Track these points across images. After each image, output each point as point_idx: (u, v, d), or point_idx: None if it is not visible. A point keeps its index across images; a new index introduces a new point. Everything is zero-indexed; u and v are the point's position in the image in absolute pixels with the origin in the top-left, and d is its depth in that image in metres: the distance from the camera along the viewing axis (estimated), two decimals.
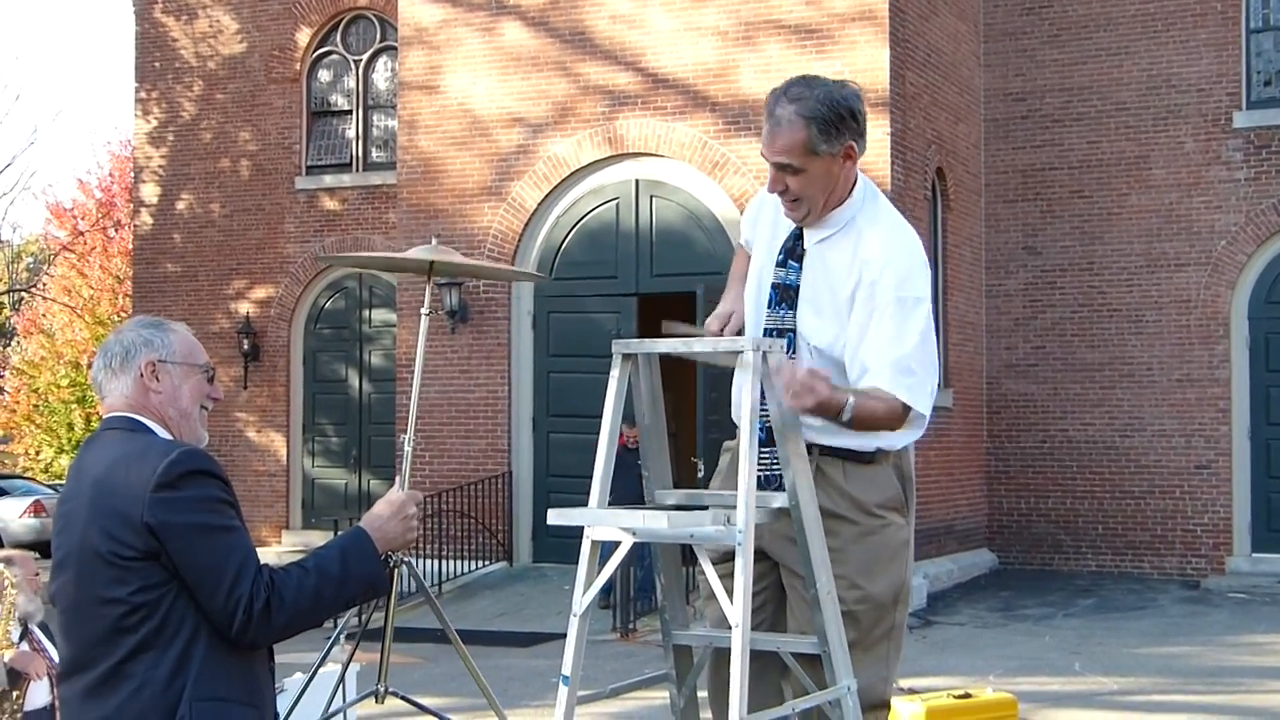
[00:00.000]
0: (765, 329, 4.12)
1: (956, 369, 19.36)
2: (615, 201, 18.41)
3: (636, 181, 18.30)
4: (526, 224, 18.67)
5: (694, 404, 16.44)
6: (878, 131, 17.02)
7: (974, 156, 20.12)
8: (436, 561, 17.49)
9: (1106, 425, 19.73)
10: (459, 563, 17.84)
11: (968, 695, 9.59)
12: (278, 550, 21.70)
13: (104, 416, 3.63)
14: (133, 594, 3.36)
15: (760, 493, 3.81)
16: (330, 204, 22.46)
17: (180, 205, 23.30)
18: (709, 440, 16.17)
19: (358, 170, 22.40)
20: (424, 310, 5.08)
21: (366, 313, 22.31)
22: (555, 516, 3.89)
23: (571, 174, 18.46)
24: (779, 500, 3.92)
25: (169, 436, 3.57)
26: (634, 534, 3.82)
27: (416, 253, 5.47)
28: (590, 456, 3.98)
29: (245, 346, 22.43)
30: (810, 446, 4.03)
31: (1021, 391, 20.18)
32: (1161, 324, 19.50)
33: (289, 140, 22.72)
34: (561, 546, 17.54)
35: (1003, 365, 20.28)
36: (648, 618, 15.05)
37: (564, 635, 3.86)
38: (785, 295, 4.12)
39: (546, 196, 18.58)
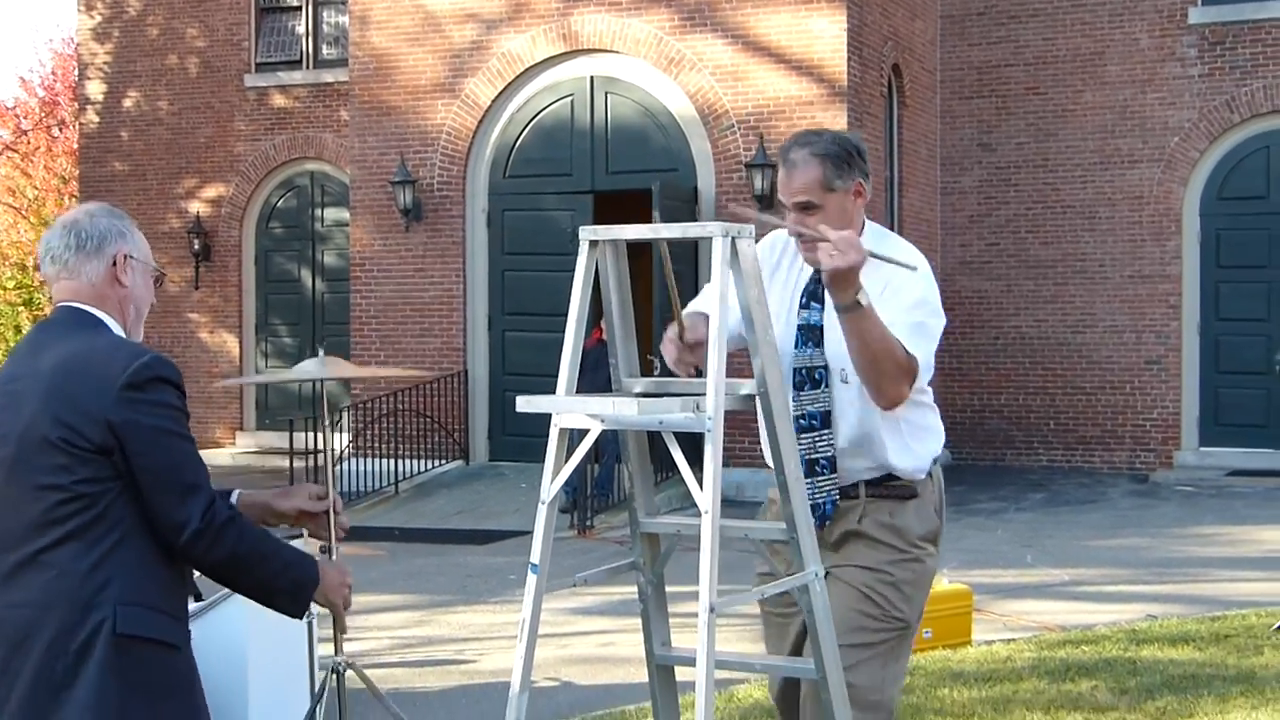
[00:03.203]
0: (795, 368, 4.35)
1: None
2: (570, 98, 18.30)
3: (591, 78, 18.18)
4: (480, 121, 18.53)
5: (650, 304, 16.43)
6: (834, 28, 16.97)
7: (930, 53, 20.06)
8: (393, 461, 17.51)
9: (1059, 321, 19.87)
10: (415, 462, 17.86)
11: None
12: (232, 451, 21.68)
13: (59, 302, 3.56)
14: (75, 483, 3.31)
15: (729, 380, 3.82)
16: (281, 101, 22.23)
17: (127, 103, 23.03)
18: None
19: (309, 67, 22.16)
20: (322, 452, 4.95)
21: (319, 211, 22.15)
22: (523, 404, 3.89)
23: (526, 70, 18.32)
24: (747, 387, 3.94)
25: (121, 334, 3.54)
26: (602, 421, 3.83)
27: (307, 365, 5.26)
28: (546, 355, 4.01)
29: (196, 246, 22.27)
30: (856, 486, 4.40)
31: (976, 288, 20.26)
32: (1114, 220, 19.59)
33: (238, 37, 22.43)
34: (518, 445, 17.59)
35: (957, 262, 20.35)
36: (605, 514, 15.13)
37: (522, 533, 3.92)
38: (811, 335, 4.36)
39: (501, 93, 18.44)
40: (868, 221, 4.43)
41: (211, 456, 20.98)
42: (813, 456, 4.34)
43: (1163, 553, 13.71)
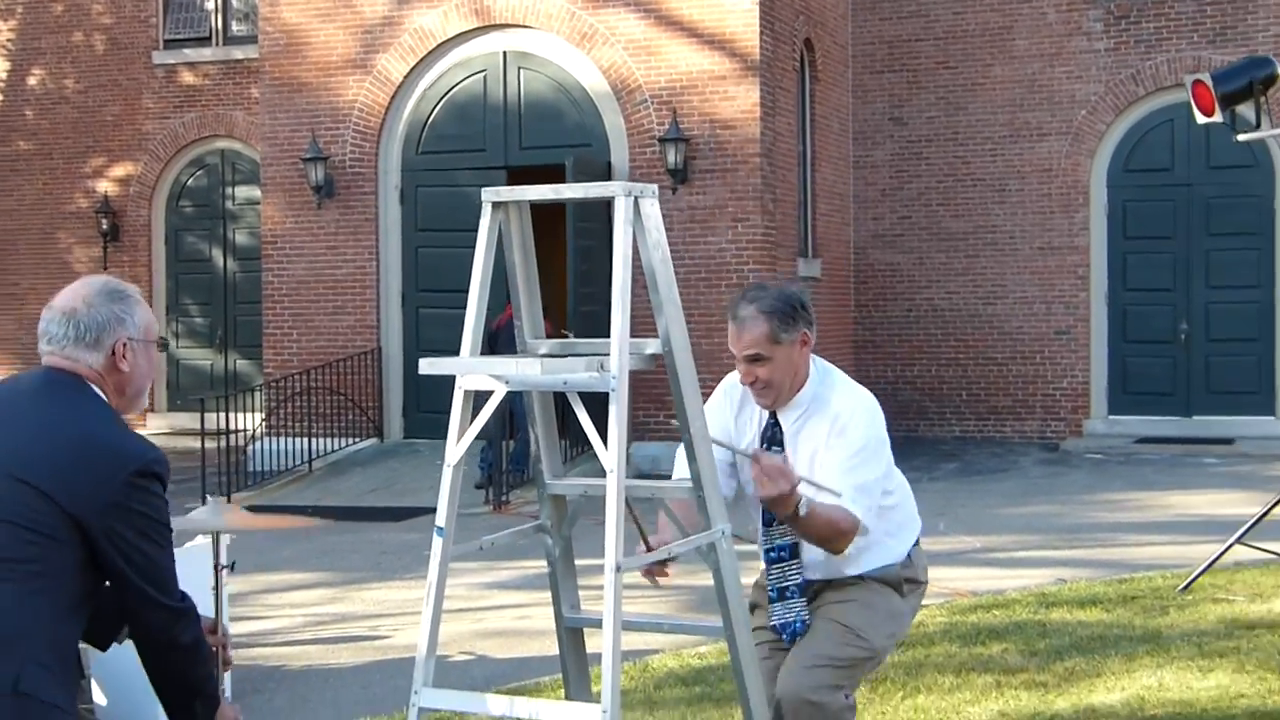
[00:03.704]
0: (763, 506, 4.62)
1: (824, 239, 19.51)
2: (483, 74, 18.23)
3: (504, 53, 18.13)
4: (393, 97, 18.43)
5: (564, 278, 16.44)
6: (746, 2, 17.00)
7: (841, 27, 20.14)
8: (306, 439, 17.41)
9: (970, 293, 20.03)
10: (329, 440, 17.77)
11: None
12: (144, 432, 21.46)
13: (50, 365, 3.55)
14: (34, 531, 3.31)
15: (633, 339, 3.84)
16: (190, 79, 22.00)
17: (32, 81, 22.72)
18: (580, 312, 16.22)
19: (218, 44, 21.94)
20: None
21: (230, 190, 21.96)
22: (426, 366, 3.90)
23: (438, 46, 18.23)
24: (652, 346, 3.96)
25: (107, 400, 3.54)
26: (507, 382, 3.84)
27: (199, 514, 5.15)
28: (461, 332, 3.99)
29: (104, 226, 22.02)
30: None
31: (888, 261, 20.40)
32: (1024, 193, 19.77)
33: (144, 13, 22.17)
34: (433, 422, 17.53)
35: (870, 235, 20.47)
36: (521, 490, 15.13)
37: (437, 509, 3.89)
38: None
39: (413, 69, 18.34)
40: (814, 361, 4.74)
41: None
42: (783, 585, 4.75)
43: (1072, 519, 13.87)
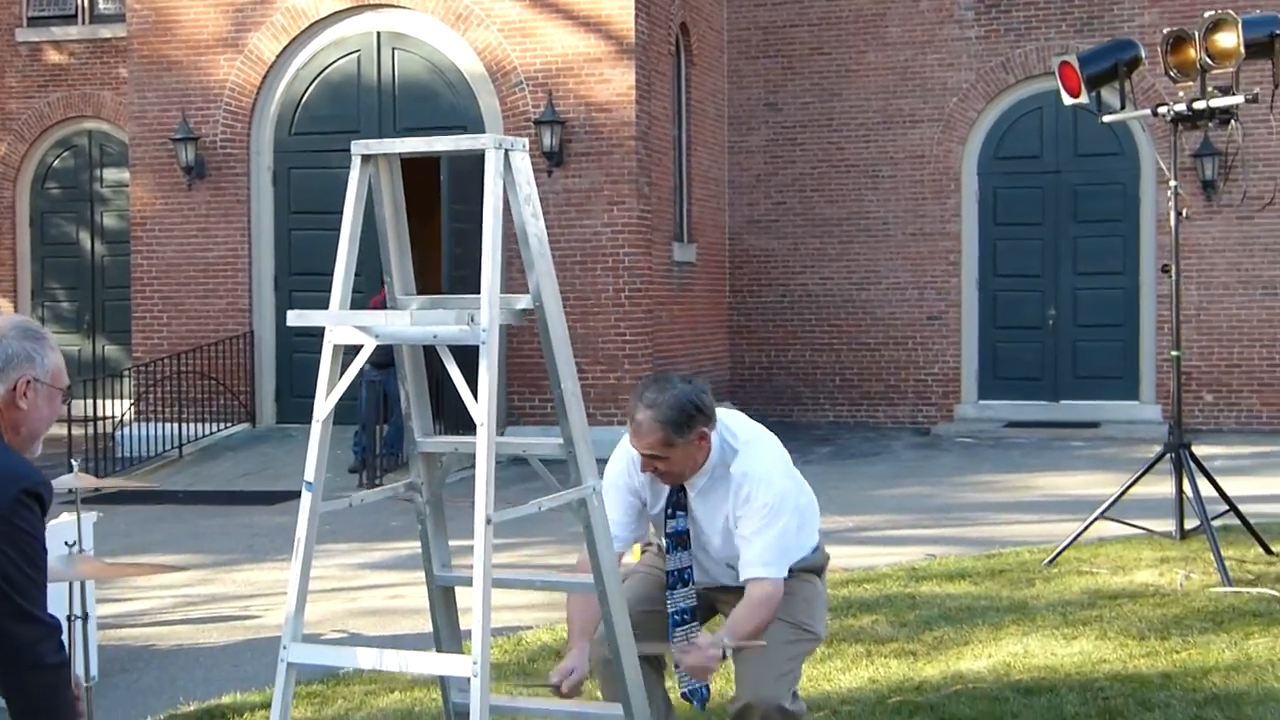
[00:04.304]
0: (669, 570, 4.95)
1: (699, 224, 19.57)
2: (357, 54, 18.08)
3: (378, 34, 17.98)
4: (265, 77, 18.21)
5: (439, 265, 16.34)
6: None
7: (717, 12, 20.22)
8: (176, 425, 17.18)
9: (844, 279, 20.20)
10: (200, 425, 17.54)
11: None
12: None
13: None
14: None
15: (505, 295, 3.83)
16: (56, 58, 21.59)
17: None
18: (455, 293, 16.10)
19: (84, 22, 21.52)
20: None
21: (98, 172, 21.57)
22: (294, 318, 3.86)
23: (311, 25, 18.03)
24: (523, 302, 3.95)
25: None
26: (376, 336, 3.82)
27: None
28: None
29: None
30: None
31: (763, 246, 20.51)
32: (897, 179, 19.98)
33: None
34: (306, 407, 17.25)
35: (745, 221, 20.58)
36: (394, 473, 15.04)
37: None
38: (679, 540, 4.95)
39: (285, 48, 18.13)
40: (718, 430, 4.89)
41: None
42: (680, 567, 4.97)
43: (943, 500, 14.05)
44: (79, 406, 16.17)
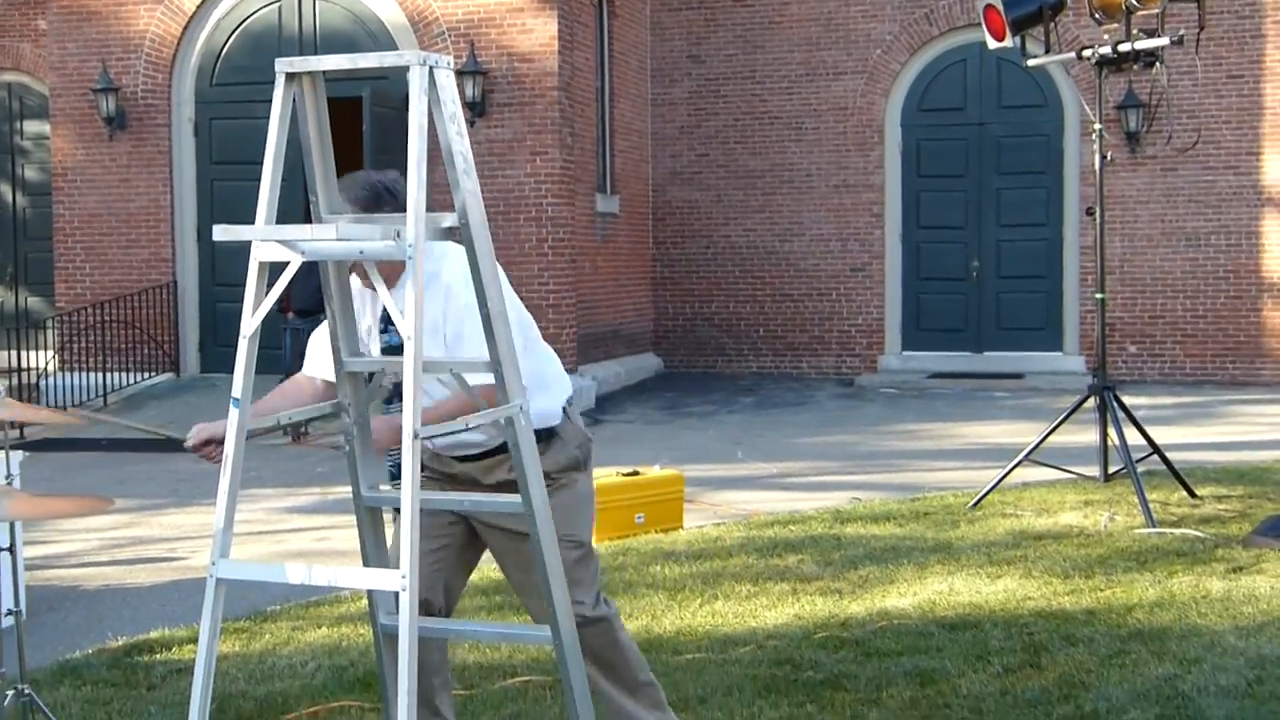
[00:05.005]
0: (390, 386, 4.72)
1: (623, 176, 19.56)
2: (279, 4, 17.90)
3: None
4: (185, 27, 18.02)
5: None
6: None
7: None
8: (100, 374, 17.05)
9: (768, 231, 20.25)
10: (124, 374, 17.41)
11: (636, 473, 9.89)
12: None
13: None
14: None
15: (430, 214, 3.82)
16: None
17: None
18: None
19: None
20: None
21: (19, 124, 21.25)
22: (220, 233, 3.84)
23: None
24: (449, 219, 3.94)
25: None
26: (302, 252, 3.80)
27: None
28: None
29: None
30: (503, 445, 4.65)
31: (686, 198, 20.52)
32: (820, 131, 20.02)
33: None
34: (230, 356, 17.17)
35: (668, 172, 20.57)
36: (320, 421, 14.95)
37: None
38: (395, 353, 4.59)
39: None
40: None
41: None
42: (398, 463, 4.65)
43: (867, 447, 14.16)
44: (1, 358, 16.02)
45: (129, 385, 17.36)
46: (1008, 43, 10.22)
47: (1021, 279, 19.64)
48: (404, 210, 4.29)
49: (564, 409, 4.90)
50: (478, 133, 17.02)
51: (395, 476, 4.91)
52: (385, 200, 4.62)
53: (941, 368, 19.45)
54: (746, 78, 20.24)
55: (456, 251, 4.60)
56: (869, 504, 10.49)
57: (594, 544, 4.99)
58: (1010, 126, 19.57)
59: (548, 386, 4.84)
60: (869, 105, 19.82)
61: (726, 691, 5.90)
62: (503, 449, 4.72)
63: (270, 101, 3.93)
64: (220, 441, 4.52)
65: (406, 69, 3.86)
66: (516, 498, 4.16)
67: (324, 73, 3.99)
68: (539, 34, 17.05)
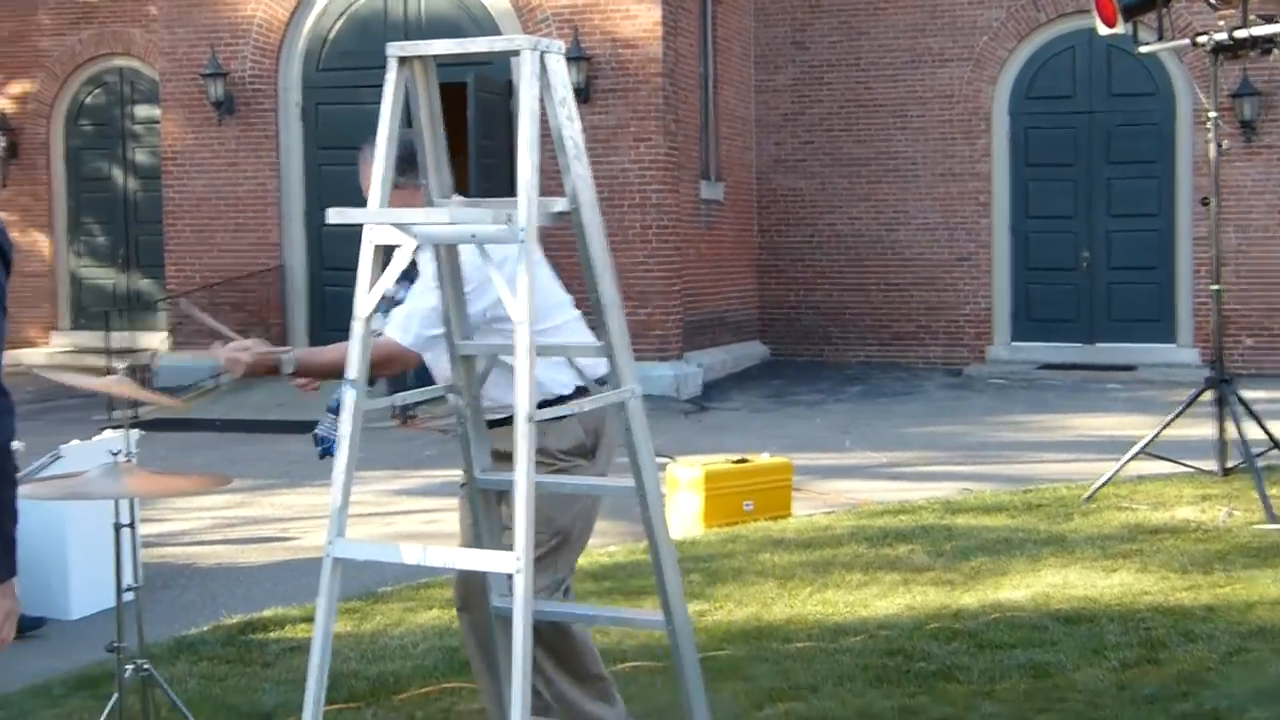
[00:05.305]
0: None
1: (727, 163, 19.49)
2: None
3: None
4: (293, 12, 18.16)
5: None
6: None
7: None
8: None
9: (873, 219, 20.10)
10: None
11: (744, 460, 9.84)
12: (47, 351, 21.15)
13: None
14: None
15: (541, 198, 3.79)
16: None
17: None
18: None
19: None
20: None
21: (130, 108, 21.56)
22: (335, 215, 3.84)
23: None
24: (560, 204, 3.91)
25: None
26: (414, 235, 3.78)
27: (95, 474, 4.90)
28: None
29: (3, 144, 21.59)
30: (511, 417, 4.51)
31: (790, 186, 20.41)
32: (925, 119, 19.82)
33: None
34: (337, 339, 17.28)
35: (772, 160, 20.46)
36: (428, 404, 15.03)
37: None
38: (393, 306, 4.76)
39: None
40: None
41: (25, 356, 20.47)
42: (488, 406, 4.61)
43: (977, 438, 14.01)
44: (116, 338, 16.29)
45: None
46: (1119, 29, 10.03)
47: (1133, 269, 19.33)
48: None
49: (580, 389, 4.68)
50: (581, 119, 16.97)
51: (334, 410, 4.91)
52: (418, 160, 4.51)
53: (1051, 359, 19.19)
54: (851, 64, 20.08)
55: None
56: (980, 495, 10.38)
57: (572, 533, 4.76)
58: (1121, 115, 19.26)
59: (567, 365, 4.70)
60: (975, 93, 19.59)
61: (837, 681, 5.85)
62: (508, 421, 4.54)
63: (376, 87, 3.93)
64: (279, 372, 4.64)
65: (512, 54, 3.84)
66: (625, 480, 4.12)
67: (434, 57, 3.98)
68: (643, 20, 17.00)
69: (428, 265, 4.45)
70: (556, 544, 4.68)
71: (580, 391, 4.61)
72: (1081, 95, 19.42)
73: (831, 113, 20.21)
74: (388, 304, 4.74)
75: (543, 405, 4.38)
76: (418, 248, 4.50)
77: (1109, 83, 19.23)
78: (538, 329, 4.10)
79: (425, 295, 4.51)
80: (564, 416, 4.41)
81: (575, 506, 4.70)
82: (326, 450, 4.93)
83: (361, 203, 4.05)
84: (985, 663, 6.04)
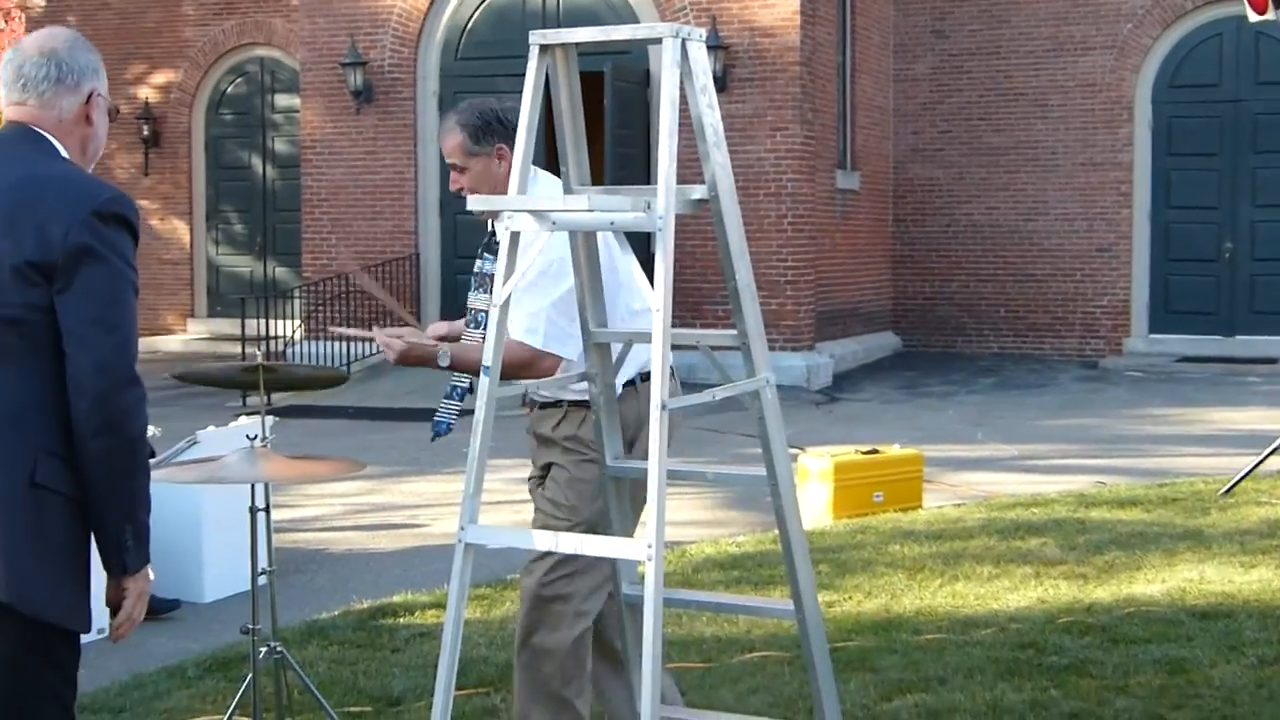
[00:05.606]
0: (472, 309, 4.85)
1: (863, 153, 19.37)
2: None
3: None
4: (433, 2, 18.33)
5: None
6: None
7: None
8: (345, 343, 17.44)
9: (1010, 209, 19.89)
10: (368, 344, 17.78)
11: (874, 451, 9.80)
12: (184, 338, 21.56)
13: (12, 120, 3.34)
14: (22, 306, 3.11)
15: (680, 185, 3.80)
16: None
17: None
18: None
19: None
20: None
21: (270, 98, 21.90)
22: (475, 203, 3.87)
23: None
24: (698, 191, 3.92)
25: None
26: (553, 223, 3.81)
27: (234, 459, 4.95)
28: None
29: (145, 133, 22.02)
30: (561, 401, 4.72)
31: (927, 176, 20.25)
32: (1066, 108, 19.57)
33: None
34: None
35: (909, 149, 20.32)
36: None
37: (472, 411, 3.86)
38: (482, 282, 4.83)
39: None
40: (544, 179, 4.74)
41: (162, 343, 20.91)
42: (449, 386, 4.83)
43: (1112, 431, 13.82)
44: (251, 326, 16.58)
45: (371, 354, 17.70)
46: (1270, 15, 9.86)
47: (1277, 261, 18.95)
48: (512, 138, 4.49)
49: (624, 386, 4.61)
50: (719, 108, 16.96)
51: (458, 397, 4.95)
52: (495, 128, 4.70)
53: (1190, 351, 18.86)
54: (991, 53, 19.88)
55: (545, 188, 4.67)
56: (1114, 488, 10.25)
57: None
58: (1268, 103, 18.88)
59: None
60: (1118, 81, 19.30)
61: (967, 673, 5.81)
62: (556, 404, 4.75)
63: (513, 76, 3.98)
64: (451, 338, 4.77)
65: (653, 42, 3.85)
66: (757, 469, 4.12)
67: (575, 45, 4.00)
68: (781, 9, 16.95)
69: (534, 254, 4.31)
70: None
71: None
72: (1228, 83, 19.06)
73: (970, 102, 20.02)
74: (479, 280, 4.85)
75: (550, 406, 4.68)
76: (495, 218, 4.67)
77: (1256, 70, 18.89)
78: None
79: (544, 289, 4.49)
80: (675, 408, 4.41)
81: (601, 501, 4.57)
82: (437, 433, 4.97)
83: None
84: (1118, 658, 5.97)
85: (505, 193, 4.52)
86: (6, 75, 3.37)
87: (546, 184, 4.68)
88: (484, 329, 4.70)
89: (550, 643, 4.61)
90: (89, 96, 3.37)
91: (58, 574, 3.15)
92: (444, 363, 4.56)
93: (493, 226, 4.80)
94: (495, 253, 4.60)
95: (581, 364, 4.43)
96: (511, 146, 4.51)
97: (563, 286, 4.47)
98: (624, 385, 4.61)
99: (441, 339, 4.83)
